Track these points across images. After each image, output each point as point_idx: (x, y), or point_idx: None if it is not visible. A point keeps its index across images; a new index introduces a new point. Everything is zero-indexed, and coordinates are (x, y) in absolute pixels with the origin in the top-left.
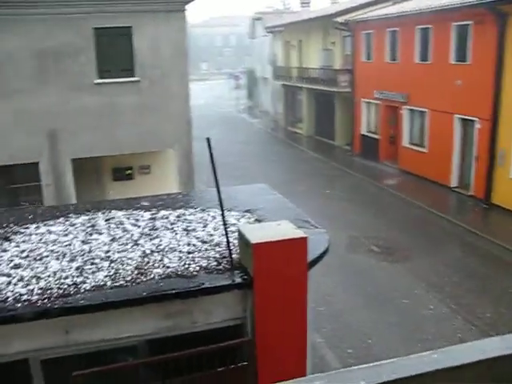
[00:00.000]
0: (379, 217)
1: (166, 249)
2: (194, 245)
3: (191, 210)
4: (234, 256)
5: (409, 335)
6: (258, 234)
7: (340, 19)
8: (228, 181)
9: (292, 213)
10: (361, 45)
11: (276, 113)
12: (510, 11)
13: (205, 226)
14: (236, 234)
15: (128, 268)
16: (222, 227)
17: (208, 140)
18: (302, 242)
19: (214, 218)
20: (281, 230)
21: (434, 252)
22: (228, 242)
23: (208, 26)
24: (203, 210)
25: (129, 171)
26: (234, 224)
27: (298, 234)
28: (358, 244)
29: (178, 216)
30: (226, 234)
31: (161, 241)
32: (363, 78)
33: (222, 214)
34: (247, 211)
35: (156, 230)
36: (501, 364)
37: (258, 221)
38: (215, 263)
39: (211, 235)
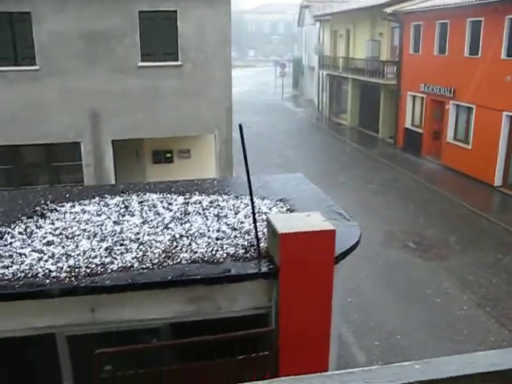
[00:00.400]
0: (418, 212)
1: (196, 234)
2: (223, 231)
3: (225, 197)
4: (261, 245)
5: (439, 334)
6: (286, 223)
7: (389, 10)
8: (269, 169)
9: (325, 204)
10: (409, 36)
11: (321, 102)
12: None
13: (236, 213)
14: (266, 222)
15: (156, 251)
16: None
17: (240, 127)
18: (330, 234)
19: (246, 205)
20: (310, 221)
21: (472, 251)
22: (256, 230)
23: (257, 13)
24: (237, 197)
25: (168, 154)
26: (265, 213)
27: (327, 226)
28: (393, 239)
29: (211, 202)
30: (255, 221)
31: (191, 226)
32: (410, 70)
33: (252, 202)
34: (280, 200)
35: (188, 214)
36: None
37: (290, 211)
38: (243, 251)
39: (242, 222)
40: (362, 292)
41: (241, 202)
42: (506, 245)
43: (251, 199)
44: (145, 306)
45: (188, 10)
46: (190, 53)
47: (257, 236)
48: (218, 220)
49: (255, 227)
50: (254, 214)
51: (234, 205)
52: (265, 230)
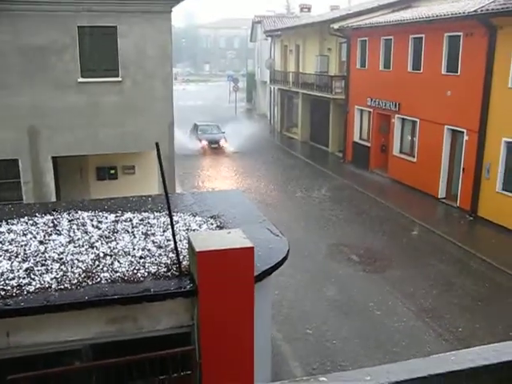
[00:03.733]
0: (362, 225)
1: (120, 252)
2: (148, 249)
3: (157, 214)
4: (184, 263)
5: (376, 345)
6: (205, 242)
7: (336, 25)
8: (212, 183)
9: (257, 220)
10: (356, 52)
11: (273, 117)
12: (499, 24)
13: (165, 231)
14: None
15: (76, 271)
16: (182, 232)
17: (157, 145)
18: (248, 251)
19: (177, 222)
20: (229, 238)
21: (414, 263)
22: (176, 248)
23: (213, 28)
24: (169, 215)
25: (113, 171)
26: (195, 230)
27: (245, 243)
28: (336, 252)
29: (142, 219)
30: (174, 239)
31: (117, 244)
32: (357, 85)
33: (170, 219)
34: (212, 217)
35: (116, 232)
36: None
37: (220, 227)
38: (165, 269)
39: (169, 240)
40: (300, 303)
41: (172, 218)
42: (448, 256)
43: (170, 217)
44: (63, 327)
45: (128, 26)
46: (130, 69)
47: (177, 254)
48: (145, 238)
49: (175, 245)
50: (173, 231)
51: (164, 222)
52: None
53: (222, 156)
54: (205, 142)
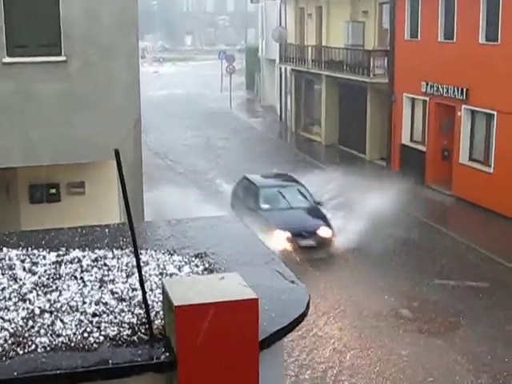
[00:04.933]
0: (421, 268)
1: (64, 308)
2: (105, 303)
3: (117, 252)
4: (156, 322)
5: None
6: (187, 292)
7: None
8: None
9: (262, 259)
10: (404, 16)
11: (284, 110)
12: None
13: (129, 276)
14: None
15: (1, 335)
16: (155, 278)
17: (117, 153)
18: (249, 305)
19: (146, 263)
20: (222, 287)
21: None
22: (146, 301)
23: None
24: (135, 252)
25: (53, 190)
26: (172, 274)
27: (245, 293)
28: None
29: (96, 260)
30: (143, 288)
31: (59, 296)
32: (406, 63)
33: (137, 260)
34: (197, 256)
35: (58, 279)
36: None
37: (209, 270)
38: (129, 331)
39: (135, 290)
40: None
41: (140, 259)
42: None
43: (136, 256)
44: None
45: None
46: (78, 43)
47: (147, 310)
48: (100, 287)
49: (144, 297)
50: (140, 277)
51: (127, 264)
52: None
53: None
54: (284, 234)
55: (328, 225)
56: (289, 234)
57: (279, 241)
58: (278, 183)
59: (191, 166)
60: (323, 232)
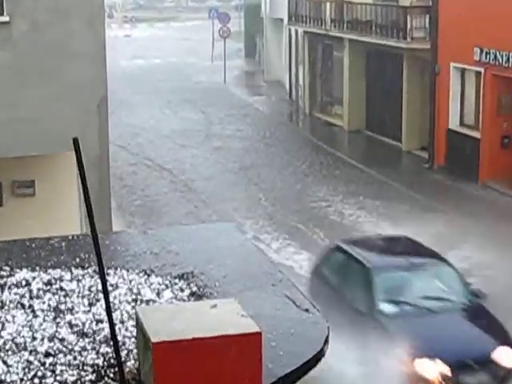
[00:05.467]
0: None
1: (8, 346)
2: (62, 339)
3: (77, 272)
4: (129, 364)
5: None
6: (168, 324)
7: None
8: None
9: (266, 279)
10: None
11: (295, 86)
12: None
13: (92, 304)
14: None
15: None
16: (127, 306)
17: (75, 142)
18: (250, 341)
19: (115, 287)
20: (215, 317)
21: None
22: (114, 336)
23: None
24: (99, 273)
25: None
26: (149, 301)
27: (245, 326)
28: None
29: (49, 282)
30: (111, 320)
31: (2, 330)
32: (455, 23)
33: (103, 283)
34: (183, 276)
35: (0, 308)
36: None
37: (198, 296)
38: (93, 376)
39: (100, 322)
40: None
41: (106, 282)
42: None
43: (102, 278)
44: None
45: None
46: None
47: (116, 347)
48: (55, 318)
49: (112, 331)
50: (108, 305)
51: (90, 288)
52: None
53: None
54: (435, 366)
55: (509, 342)
56: (444, 367)
57: (425, 376)
58: (403, 260)
59: (177, 168)
60: (504, 357)
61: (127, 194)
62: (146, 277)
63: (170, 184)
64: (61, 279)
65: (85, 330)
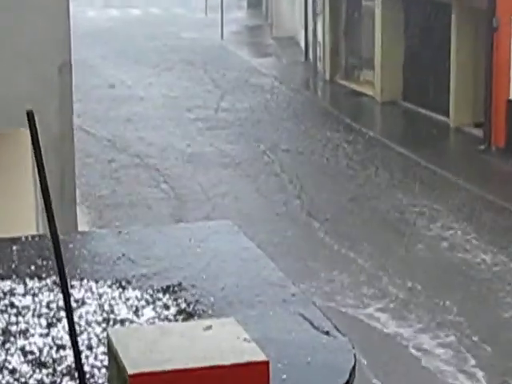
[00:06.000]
0: None
1: None
2: (12, 370)
3: (32, 284)
4: None
5: None
6: (149, 351)
7: None
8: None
9: (275, 293)
10: None
11: (313, 44)
12: None
13: (51, 325)
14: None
15: None
16: (96, 328)
17: (30, 116)
18: (254, 372)
19: (81, 303)
20: (209, 341)
21: None
22: (80, 366)
23: None
24: (62, 284)
25: None
26: (125, 321)
27: (248, 353)
28: None
29: None
30: (75, 346)
31: None
32: None
33: (65, 298)
34: (167, 289)
35: None
36: None
37: (188, 314)
38: None
39: (61, 348)
40: None
41: (70, 296)
42: None
43: (64, 291)
44: None
45: None
46: None
47: (82, 380)
48: (3, 343)
49: (77, 360)
50: (72, 327)
51: (49, 304)
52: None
53: None
54: None
55: None
56: None
57: None
58: None
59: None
60: None
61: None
62: (120, 290)
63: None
64: (11, 293)
65: (42, 359)
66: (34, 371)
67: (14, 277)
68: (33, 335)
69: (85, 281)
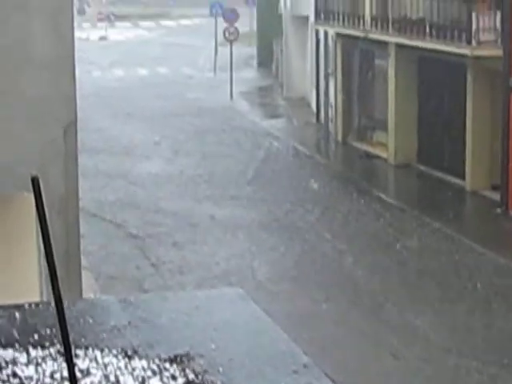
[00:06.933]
0: None
1: None
2: None
3: (35, 353)
4: None
5: None
6: None
7: None
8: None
9: (287, 363)
10: None
11: (324, 105)
12: None
13: None
14: None
15: None
16: None
17: (35, 182)
18: None
19: (86, 373)
20: None
21: None
22: None
23: None
24: (67, 351)
25: None
26: None
27: None
28: None
29: None
30: None
31: None
32: None
33: (69, 368)
34: (175, 359)
35: None
36: None
37: None
38: None
39: None
40: None
41: (74, 366)
42: None
43: (68, 361)
44: None
45: None
46: None
47: None
48: None
49: None
50: None
51: (52, 374)
52: None
53: None
54: None
55: None
56: None
57: None
58: None
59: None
60: None
61: None
62: (126, 359)
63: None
64: (14, 362)
65: None
66: None
67: (16, 345)
68: None
69: (90, 350)
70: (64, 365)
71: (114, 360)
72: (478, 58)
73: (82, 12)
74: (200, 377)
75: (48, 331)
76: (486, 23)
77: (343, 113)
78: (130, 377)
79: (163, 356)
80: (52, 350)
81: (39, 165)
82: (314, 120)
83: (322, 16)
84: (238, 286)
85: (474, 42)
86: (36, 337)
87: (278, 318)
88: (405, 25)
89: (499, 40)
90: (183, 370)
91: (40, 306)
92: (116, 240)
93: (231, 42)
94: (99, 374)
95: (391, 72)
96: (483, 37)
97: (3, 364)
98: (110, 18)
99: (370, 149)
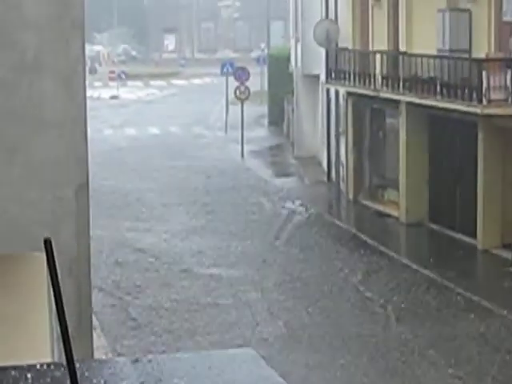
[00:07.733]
0: None
1: None
2: None
3: None
4: None
5: None
6: None
7: None
8: None
9: None
10: None
11: (335, 164)
12: None
13: None
14: None
15: None
16: None
17: (47, 244)
18: None
19: None
20: None
21: None
22: None
23: None
24: None
25: None
26: None
27: None
28: None
29: None
30: None
31: None
32: None
33: None
34: None
35: None
36: None
37: None
38: None
39: None
40: None
41: None
42: None
43: None
44: None
45: None
46: None
47: None
48: None
49: None
50: None
51: None
52: None
53: None
54: None
55: None
56: None
57: None
58: None
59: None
60: None
61: None
62: None
63: None
64: None
65: None
66: None
67: None
68: None
69: None
70: None
71: None
72: (488, 116)
73: (93, 71)
74: None
75: None
76: (497, 82)
77: (354, 171)
78: None
79: None
80: None
81: (51, 225)
82: (324, 179)
83: (333, 75)
84: None
85: (484, 101)
86: None
87: None
88: (415, 84)
89: (510, 98)
90: None
91: (52, 366)
92: None
93: (242, 101)
94: None
95: (402, 130)
96: (493, 95)
97: None
98: (122, 77)
99: (382, 207)
